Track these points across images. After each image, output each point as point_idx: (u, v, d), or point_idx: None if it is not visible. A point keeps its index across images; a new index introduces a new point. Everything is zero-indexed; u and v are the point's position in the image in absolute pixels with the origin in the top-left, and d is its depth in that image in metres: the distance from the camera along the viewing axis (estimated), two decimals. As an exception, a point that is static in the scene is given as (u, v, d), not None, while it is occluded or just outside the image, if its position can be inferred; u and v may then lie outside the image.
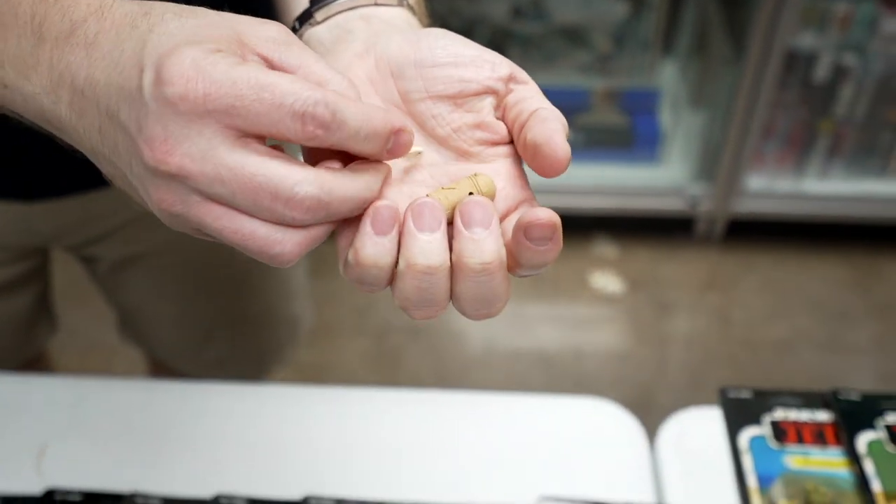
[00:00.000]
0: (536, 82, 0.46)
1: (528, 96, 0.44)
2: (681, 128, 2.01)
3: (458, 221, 0.40)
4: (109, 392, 0.77)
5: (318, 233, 0.39)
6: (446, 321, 1.83)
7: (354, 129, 0.38)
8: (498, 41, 1.93)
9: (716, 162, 1.88)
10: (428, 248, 0.39)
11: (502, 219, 0.43)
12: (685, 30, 2.02)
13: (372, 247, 0.39)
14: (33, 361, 1.04)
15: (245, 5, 0.45)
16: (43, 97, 0.40)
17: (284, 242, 0.38)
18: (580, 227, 2.01)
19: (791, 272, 1.96)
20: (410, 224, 0.39)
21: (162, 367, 1.06)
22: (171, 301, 0.94)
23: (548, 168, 0.42)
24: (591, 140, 1.96)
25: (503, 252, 0.40)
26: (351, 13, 0.48)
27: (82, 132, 0.40)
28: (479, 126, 0.44)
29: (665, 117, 2.02)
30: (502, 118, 0.45)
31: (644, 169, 1.97)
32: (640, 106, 1.99)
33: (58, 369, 1.22)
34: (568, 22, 1.92)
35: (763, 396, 0.76)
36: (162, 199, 0.38)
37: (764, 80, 1.73)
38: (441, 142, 0.45)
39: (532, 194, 0.44)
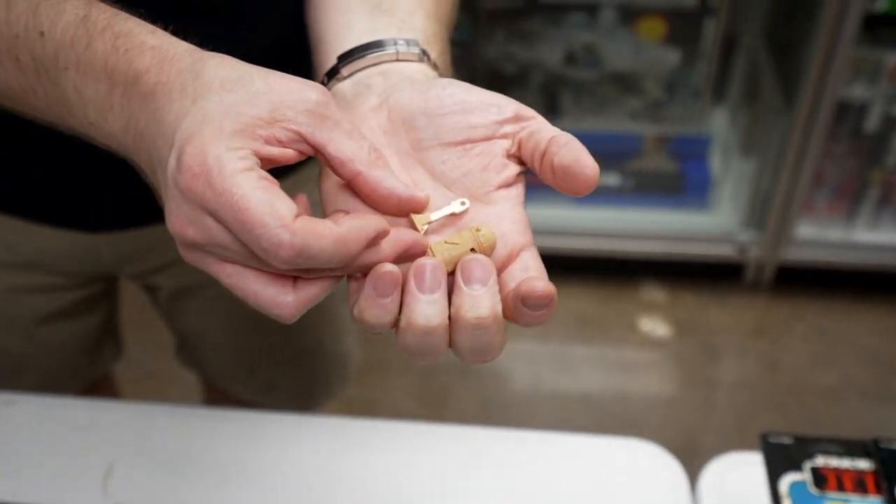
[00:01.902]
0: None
1: (539, 128, 0.47)
2: (731, 175, 2.02)
3: (458, 277, 0.43)
4: (173, 418, 0.81)
5: (316, 292, 0.43)
6: (494, 361, 1.85)
7: (326, 262, 0.41)
8: (550, 86, 1.97)
9: (765, 209, 1.89)
10: (428, 311, 0.42)
11: (504, 266, 0.46)
12: (736, 78, 2.04)
13: (375, 308, 0.43)
14: (98, 384, 1.09)
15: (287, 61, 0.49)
16: (118, 135, 0.45)
17: (283, 306, 0.42)
18: (629, 271, 2.02)
19: (840, 321, 1.95)
20: (412, 285, 0.43)
21: (215, 391, 1.10)
22: (224, 330, 0.98)
23: (581, 186, 0.44)
24: (641, 185, 1.99)
25: (499, 308, 0.43)
26: (373, 69, 0.51)
27: (144, 168, 0.46)
28: (486, 170, 0.47)
29: (715, 164, 2.03)
30: (518, 154, 0.48)
31: (694, 215, 1.98)
32: (690, 152, 2.00)
33: (119, 394, 1.26)
34: (620, 69, 1.95)
35: (804, 443, 0.77)
36: (185, 256, 0.44)
37: (814, 130, 1.74)
38: (451, 185, 0.47)
39: (531, 238, 0.47)
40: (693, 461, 0.81)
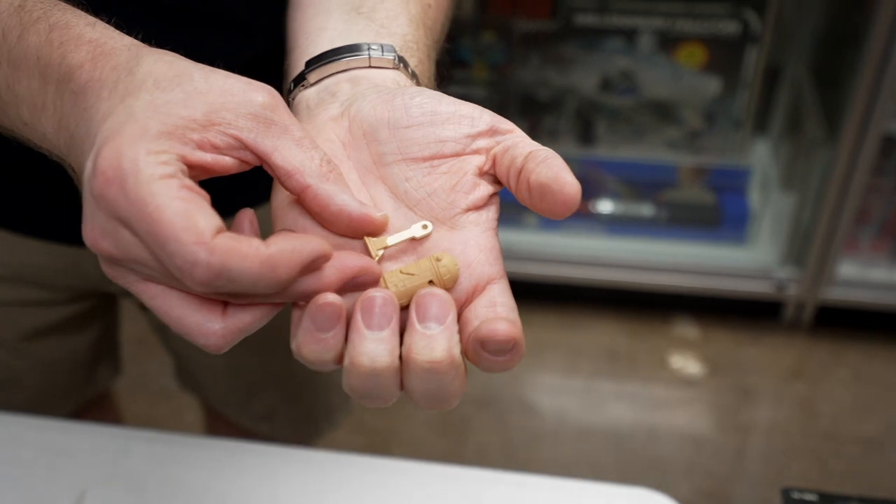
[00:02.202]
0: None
1: (517, 142, 0.42)
2: (770, 209, 1.95)
3: (412, 314, 0.38)
4: (152, 444, 0.77)
5: (249, 321, 0.38)
6: (518, 393, 1.80)
7: (250, 286, 0.35)
8: (585, 113, 1.92)
9: (806, 246, 1.81)
10: (374, 350, 0.37)
11: (468, 301, 0.41)
12: (779, 109, 1.98)
13: (314, 343, 0.38)
14: (95, 402, 1.05)
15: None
16: (51, 137, 0.41)
17: (209, 335, 0.38)
18: (661, 305, 1.95)
19: (883, 366, 1.86)
20: (359, 319, 0.38)
21: (215, 416, 1.06)
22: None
23: (560, 206, 0.39)
24: (676, 217, 1.92)
25: (456, 350, 0.38)
26: (342, 75, 0.46)
27: (77, 174, 0.41)
28: (454, 190, 0.42)
29: (754, 197, 1.96)
30: (492, 171, 0.43)
31: (730, 249, 1.91)
32: (728, 184, 1.94)
33: (127, 416, 1.23)
34: (658, 96, 1.90)
35: (830, 501, 0.71)
36: (106, 271, 0.39)
37: (858, 165, 1.68)
38: (414, 206, 0.42)
39: (502, 270, 0.41)
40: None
